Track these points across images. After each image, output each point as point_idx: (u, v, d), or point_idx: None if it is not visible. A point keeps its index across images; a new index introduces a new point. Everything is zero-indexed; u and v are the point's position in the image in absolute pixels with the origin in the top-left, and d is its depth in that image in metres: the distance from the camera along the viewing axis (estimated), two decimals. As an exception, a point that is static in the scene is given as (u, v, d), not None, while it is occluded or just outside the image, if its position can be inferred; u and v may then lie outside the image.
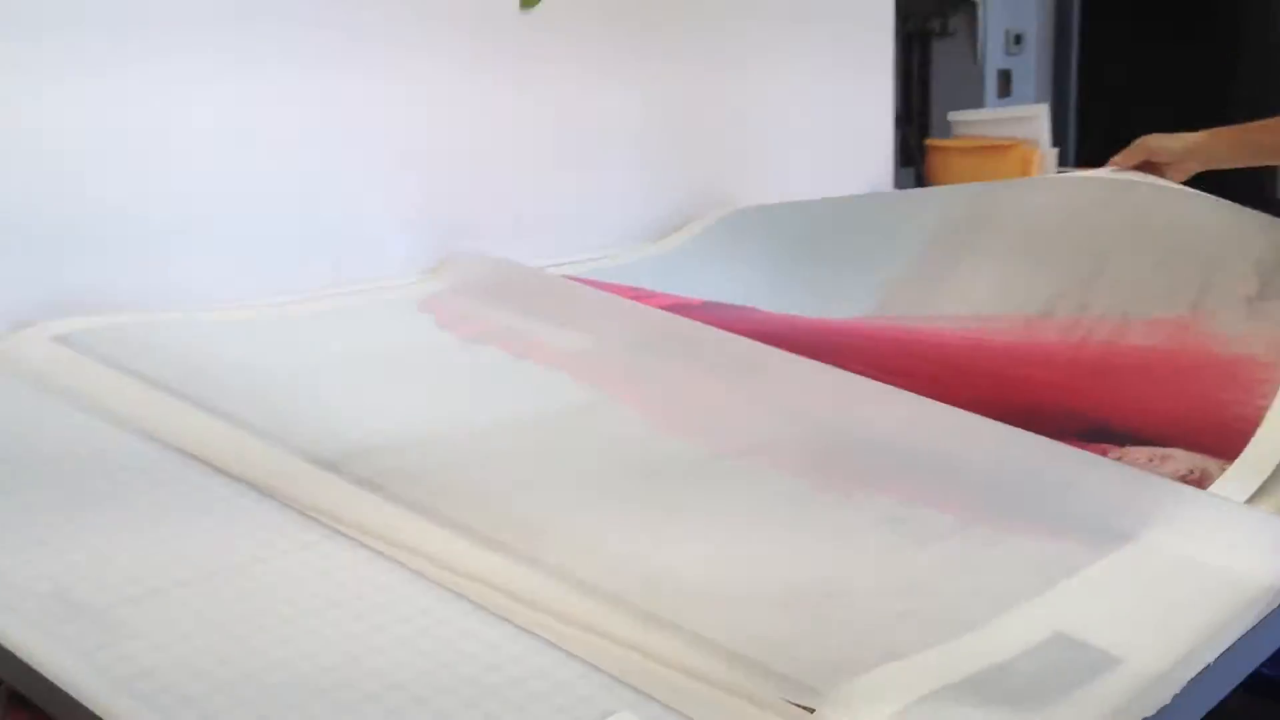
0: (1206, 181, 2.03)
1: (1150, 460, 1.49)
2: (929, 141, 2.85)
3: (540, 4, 2.06)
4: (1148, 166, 2.07)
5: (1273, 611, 1.19)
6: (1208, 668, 1.09)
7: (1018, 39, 4.48)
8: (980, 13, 4.36)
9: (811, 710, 0.94)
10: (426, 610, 1.07)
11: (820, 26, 2.60)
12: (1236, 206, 1.86)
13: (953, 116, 2.88)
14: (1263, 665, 1.86)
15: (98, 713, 0.90)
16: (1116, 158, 2.10)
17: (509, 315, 1.79)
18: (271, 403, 1.42)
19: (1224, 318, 1.67)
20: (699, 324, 1.77)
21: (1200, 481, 1.43)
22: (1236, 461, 1.45)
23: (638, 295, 1.98)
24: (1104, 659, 1.08)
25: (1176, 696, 1.04)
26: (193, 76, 1.69)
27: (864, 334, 1.89)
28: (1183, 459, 1.48)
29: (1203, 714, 1.11)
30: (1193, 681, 1.06)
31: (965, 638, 1.08)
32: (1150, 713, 1.00)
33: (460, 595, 1.09)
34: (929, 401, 1.56)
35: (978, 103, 4.37)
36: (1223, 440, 1.48)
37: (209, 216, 1.74)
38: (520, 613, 1.07)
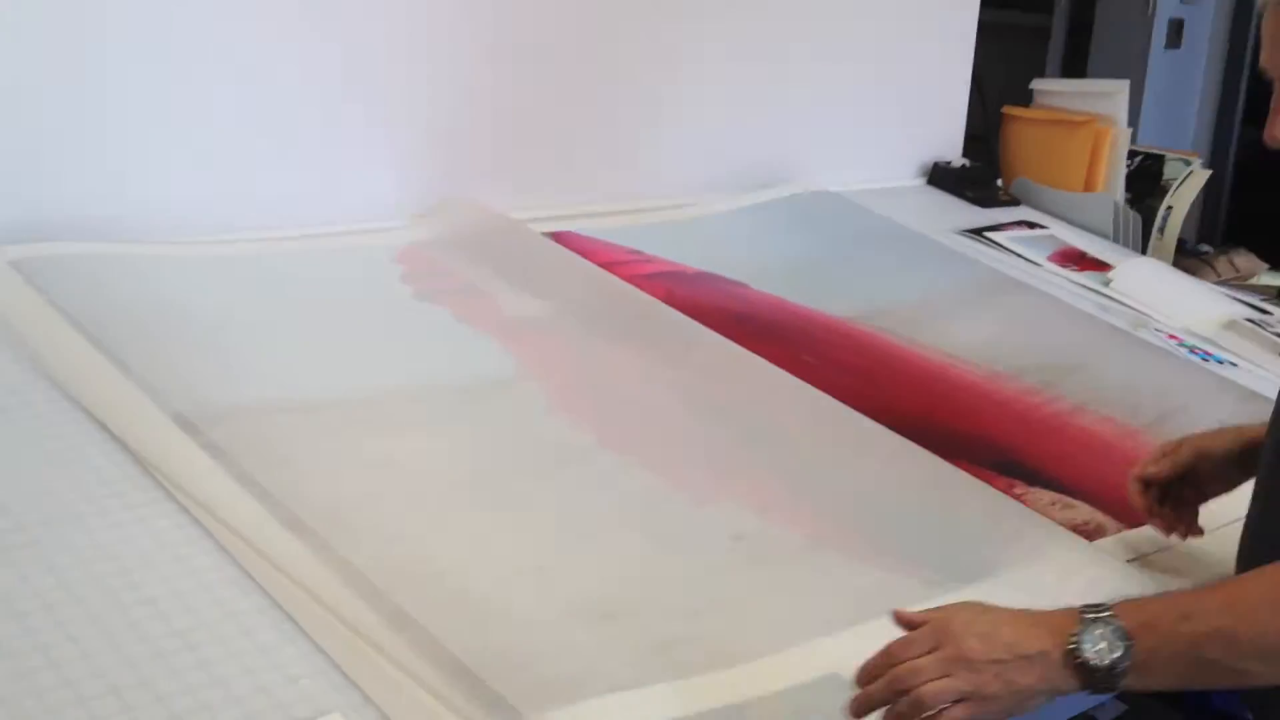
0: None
1: (1053, 504, 1.45)
2: (1006, 109, 2.73)
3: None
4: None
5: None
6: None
7: (1197, -14, 4.21)
8: (1157, -45, 4.11)
9: (507, 735, 0.96)
10: (207, 586, 1.12)
11: (899, 7, 2.52)
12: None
13: (1036, 84, 2.75)
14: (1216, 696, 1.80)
15: None
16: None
17: (478, 271, 1.82)
18: (182, 350, 1.48)
19: None
20: (654, 301, 1.77)
21: (1094, 534, 1.40)
22: (1132, 530, 1.41)
23: (631, 259, 1.98)
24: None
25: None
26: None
27: (835, 329, 1.86)
28: (1084, 511, 1.45)
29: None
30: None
31: (726, 671, 1.09)
32: None
33: (247, 574, 1.14)
34: (842, 408, 1.54)
35: (1143, 54, 4.15)
36: (1126, 511, 1.42)
37: (207, 147, 1.80)
38: (294, 600, 1.11)
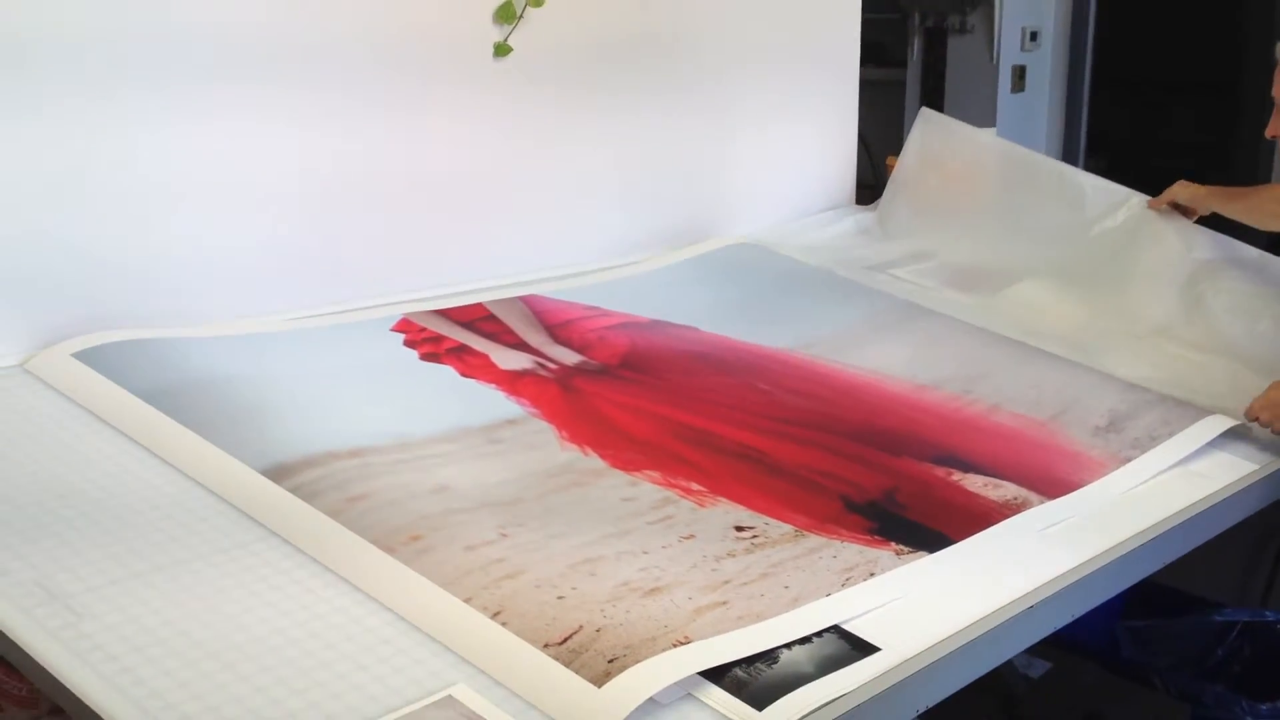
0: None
1: (985, 485, 1.76)
2: (889, 158, 3.08)
3: (512, 52, 2.34)
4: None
5: (1019, 615, 1.45)
6: (948, 656, 1.37)
7: (1034, 35, 4.65)
8: (997, 9, 4.54)
9: (599, 686, 1.23)
10: (326, 599, 1.37)
11: (786, 66, 2.86)
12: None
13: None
14: (1123, 647, 2.12)
15: (62, 681, 1.21)
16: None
17: (465, 333, 2.08)
18: (244, 415, 1.72)
19: (1074, 431, 1.97)
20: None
21: (1020, 506, 1.71)
22: (1053, 501, 1.73)
23: (592, 314, 2.26)
24: (863, 648, 1.35)
25: (909, 677, 1.32)
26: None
27: (779, 359, 2.16)
28: (1010, 488, 1.76)
29: (947, 694, 1.39)
30: (931, 667, 1.34)
31: (755, 627, 1.36)
32: (874, 692, 1.29)
33: (355, 588, 1.39)
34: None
35: (992, 98, 4.57)
36: (1045, 486, 1.77)
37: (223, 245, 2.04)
38: (400, 604, 1.36)
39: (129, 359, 1.80)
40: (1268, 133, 2.14)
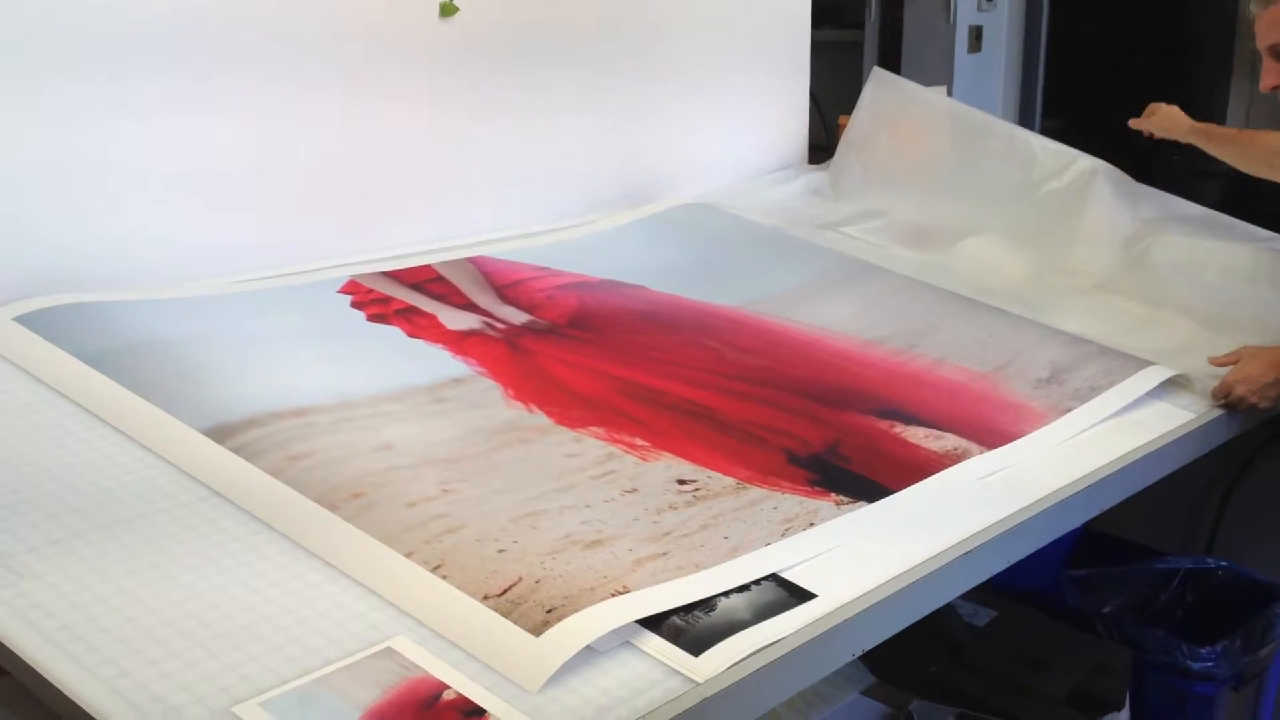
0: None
1: (926, 437, 1.78)
2: (841, 118, 3.09)
3: (459, 12, 2.33)
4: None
5: (955, 561, 1.48)
6: (882, 602, 1.39)
7: (990, -5, 4.67)
8: (954, -31, 4.55)
9: (537, 635, 1.24)
10: (267, 556, 1.38)
11: (738, 28, 2.87)
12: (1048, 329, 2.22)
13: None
14: (1068, 595, 2.15)
15: (3, 640, 1.22)
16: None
17: (413, 294, 2.09)
18: (187, 377, 1.72)
19: (1016, 384, 2.00)
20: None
21: (961, 456, 1.73)
22: (992, 451, 1.76)
23: (541, 274, 2.27)
24: (800, 595, 1.37)
25: (844, 623, 1.34)
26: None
27: (727, 317, 2.18)
28: (951, 440, 1.78)
29: (883, 638, 1.41)
30: (866, 612, 1.37)
31: (693, 576, 1.38)
32: (809, 637, 1.31)
33: (297, 545, 1.40)
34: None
35: (949, 59, 4.58)
36: (985, 436, 1.80)
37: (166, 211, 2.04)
38: (341, 559, 1.37)
39: (71, 323, 1.80)
40: (1261, 86, 2.08)
